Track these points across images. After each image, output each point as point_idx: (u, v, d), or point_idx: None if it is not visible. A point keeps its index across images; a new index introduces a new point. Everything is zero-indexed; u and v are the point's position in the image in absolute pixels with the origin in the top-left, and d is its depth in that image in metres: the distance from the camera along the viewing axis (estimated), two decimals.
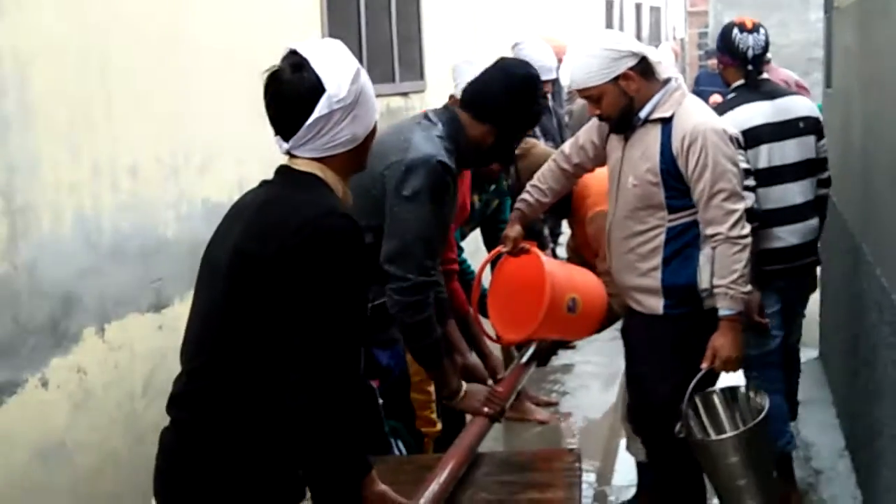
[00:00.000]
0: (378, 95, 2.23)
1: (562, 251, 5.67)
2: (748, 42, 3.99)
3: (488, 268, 3.66)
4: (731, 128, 3.29)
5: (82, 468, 3.42)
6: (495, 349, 3.67)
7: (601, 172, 3.62)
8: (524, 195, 3.59)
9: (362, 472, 2.09)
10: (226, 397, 2.03)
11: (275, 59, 2.13)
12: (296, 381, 1.96)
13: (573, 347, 5.81)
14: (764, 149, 3.86)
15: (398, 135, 2.95)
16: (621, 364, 3.77)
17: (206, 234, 2.21)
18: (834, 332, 5.20)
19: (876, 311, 3.67)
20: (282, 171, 2.16)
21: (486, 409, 2.97)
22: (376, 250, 2.85)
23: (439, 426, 3.77)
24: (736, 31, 4.02)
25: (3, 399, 3.11)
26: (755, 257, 3.41)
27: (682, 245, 3.23)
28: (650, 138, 3.22)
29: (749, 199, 3.41)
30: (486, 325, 3.52)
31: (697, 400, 3.26)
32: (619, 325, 3.78)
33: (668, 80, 3.25)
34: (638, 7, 19.14)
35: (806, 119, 3.99)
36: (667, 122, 3.20)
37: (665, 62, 3.31)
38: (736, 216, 3.13)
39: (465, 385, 3.01)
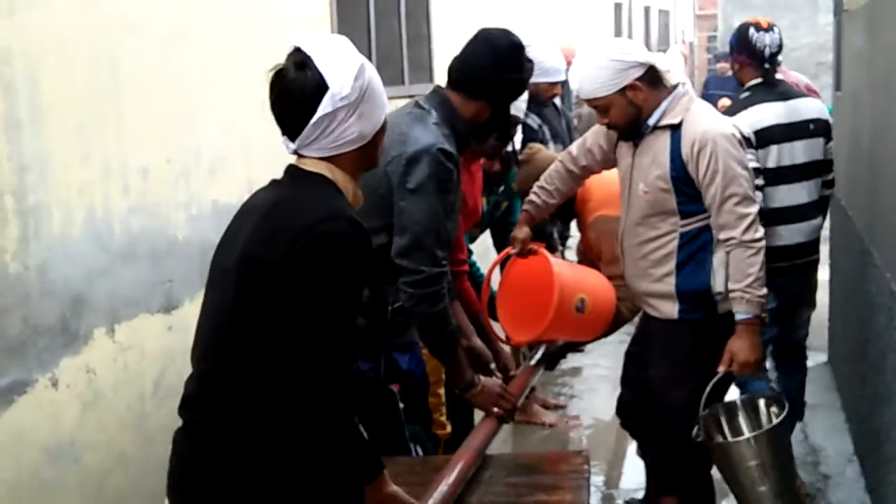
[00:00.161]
0: (388, 98, 2.21)
1: (571, 254, 5.66)
2: (765, 41, 4.01)
3: (497, 270, 3.67)
4: (744, 127, 3.30)
5: (91, 468, 3.43)
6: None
7: (604, 176, 3.63)
8: (531, 196, 3.59)
9: (373, 473, 2.09)
10: (238, 401, 2.02)
11: None
12: (297, 386, 1.94)
13: (583, 351, 5.81)
14: (774, 149, 3.89)
15: (394, 129, 2.92)
16: None
17: (215, 236, 2.21)
18: (842, 337, 5.18)
19: (885, 316, 3.66)
20: (290, 171, 2.15)
21: (496, 409, 2.97)
22: (390, 250, 2.83)
23: (449, 428, 3.77)
24: (752, 30, 4.05)
25: (14, 398, 3.11)
26: None
27: (696, 249, 3.23)
28: (660, 145, 3.22)
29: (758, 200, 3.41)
30: (496, 327, 3.52)
31: (720, 409, 3.26)
32: (627, 329, 3.79)
33: (675, 87, 3.25)
34: (647, 10, 19.11)
35: (816, 121, 4.02)
36: (676, 129, 3.20)
37: (673, 68, 3.33)
38: (749, 220, 3.12)
39: (481, 379, 2.99)
